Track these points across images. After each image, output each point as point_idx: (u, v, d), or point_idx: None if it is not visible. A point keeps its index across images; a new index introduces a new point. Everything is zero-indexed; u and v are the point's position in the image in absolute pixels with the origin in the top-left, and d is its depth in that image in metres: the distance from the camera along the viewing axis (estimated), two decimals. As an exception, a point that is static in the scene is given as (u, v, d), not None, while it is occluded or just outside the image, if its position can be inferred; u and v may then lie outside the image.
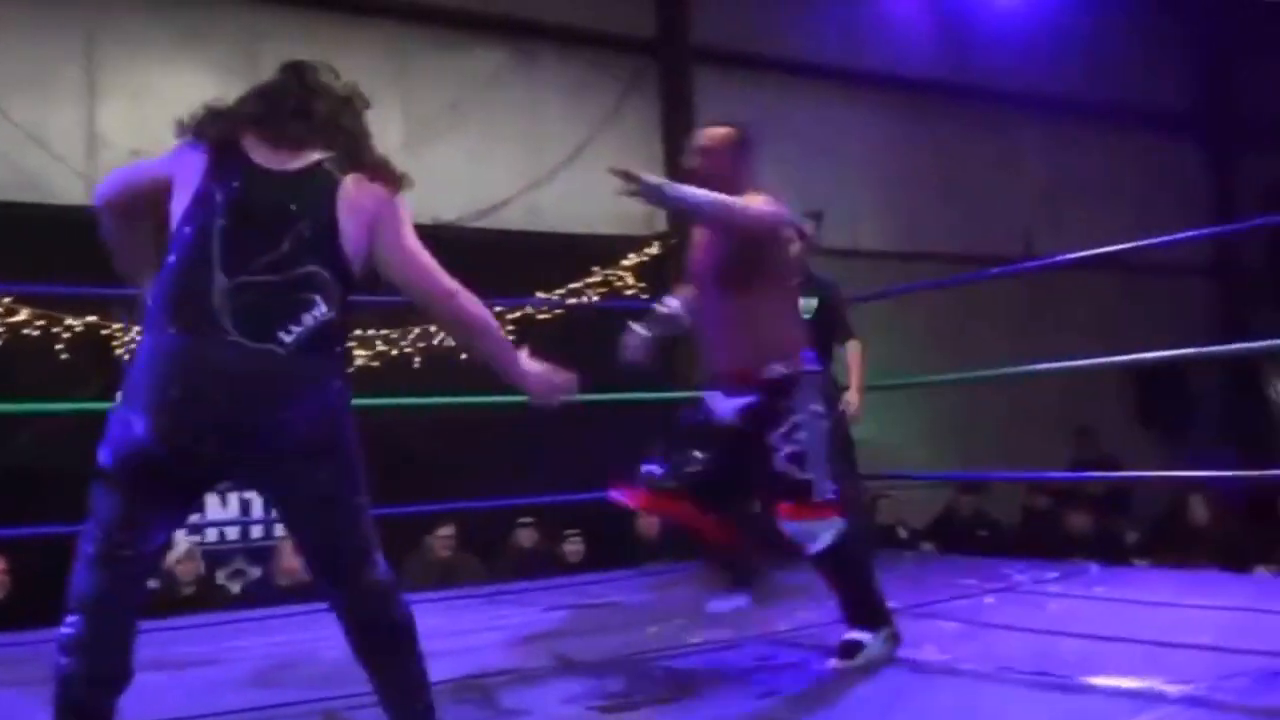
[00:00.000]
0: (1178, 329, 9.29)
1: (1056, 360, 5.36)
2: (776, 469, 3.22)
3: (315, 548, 2.27)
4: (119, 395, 2.22)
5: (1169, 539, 7.17)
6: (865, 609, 3.26)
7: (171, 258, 2.18)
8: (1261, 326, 9.87)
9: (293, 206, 2.18)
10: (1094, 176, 10.47)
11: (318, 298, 2.16)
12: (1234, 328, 10.13)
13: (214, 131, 2.29)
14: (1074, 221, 9.85)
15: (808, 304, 5.24)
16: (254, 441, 2.12)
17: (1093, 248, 5.34)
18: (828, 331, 5.27)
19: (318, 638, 3.95)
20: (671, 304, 3.67)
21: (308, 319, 2.14)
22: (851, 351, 5.27)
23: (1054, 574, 4.68)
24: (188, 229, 2.18)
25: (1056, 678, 2.88)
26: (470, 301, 2.38)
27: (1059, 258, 5.68)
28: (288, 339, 2.11)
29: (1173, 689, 2.67)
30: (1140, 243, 5.25)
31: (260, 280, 2.13)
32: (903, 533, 7.38)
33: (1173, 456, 9.82)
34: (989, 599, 4.25)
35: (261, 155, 2.24)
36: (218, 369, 2.08)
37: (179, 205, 2.23)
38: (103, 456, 2.16)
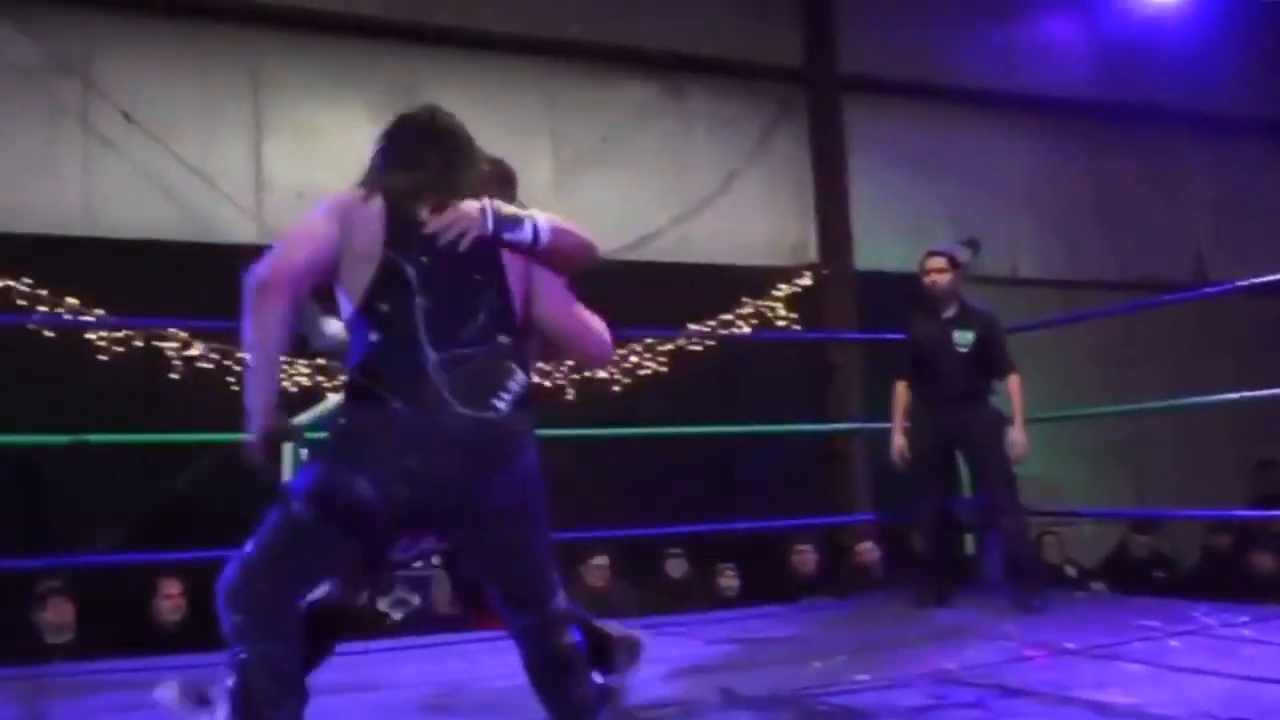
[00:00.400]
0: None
1: (1230, 389, 5.10)
2: None
3: (512, 586, 2.44)
4: (323, 455, 2.32)
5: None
6: None
7: (374, 335, 2.27)
8: None
9: (478, 277, 2.34)
10: (1265, 194, 9.98)
11: (514, 365, 2.33)
12: None
13: (387, 194, 2.34)
14: (1247, 242, 9.42)
15: (963, 337, 5.11)
16: (476, 501, 2.29)
17: (1268, 269, 5.08)
18: (986, 364, 5.11)
19: (480, 666, 4.00)
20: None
21: (513, 386, 2.31)
22: (1013, 385, 5.10)
23: (1244, 617, 4.40)
24: (384, 306, 2.27)
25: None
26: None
27: (1233, 284, 5.41)
28: (501, 406, 2.28)
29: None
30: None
31: (469, 353, 2.29)
32: (1071, 571, 7.09)
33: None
34: (1174, 642, 4.03)
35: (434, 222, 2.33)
36: (450, 439, 2.24)
37: (359, 276, 2.29)
38: (303, 508, 2.28)
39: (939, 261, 5.20)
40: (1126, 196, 9.60)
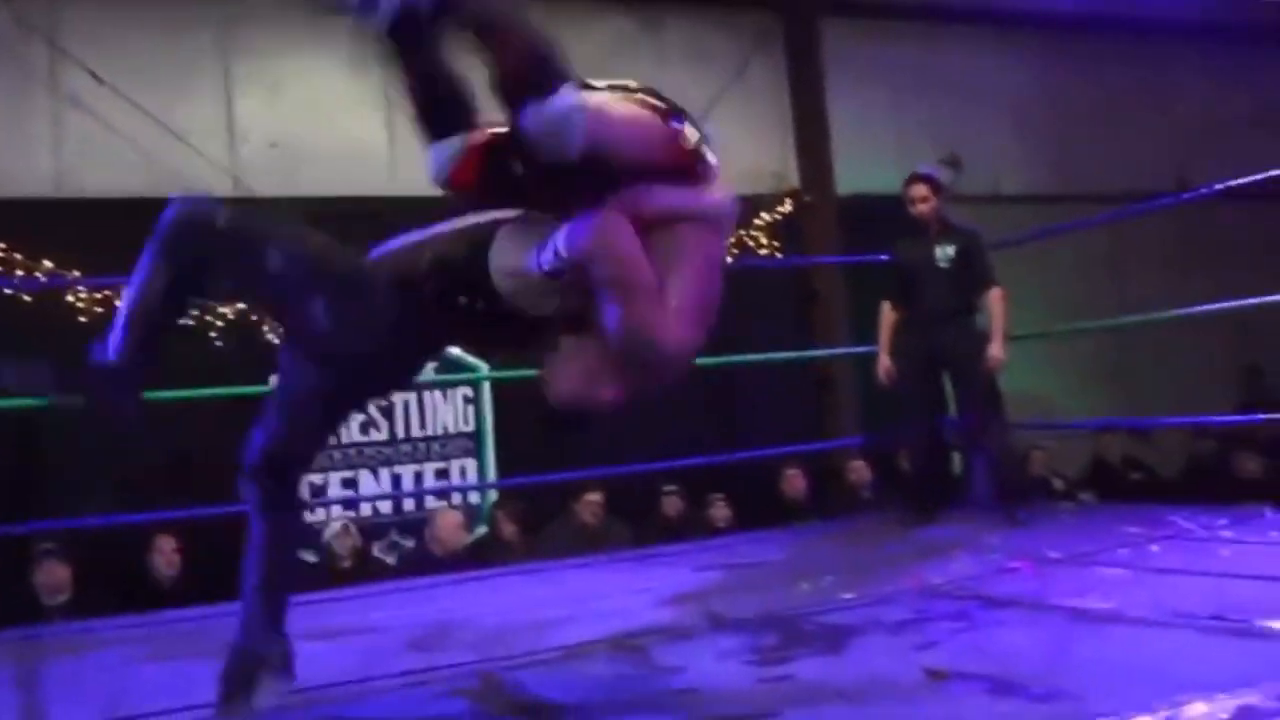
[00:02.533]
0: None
1: (1216, 299, 5.10)
2: None
3: None
4: None
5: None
6: None
7: None
8: None
9: None
10: (1250, 106, 9.92)
11: None
12: None
13: None
14: (1230, 154, 9.33)
15: (944, 253, 5.13)
16: None
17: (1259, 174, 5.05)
18: (968, 280, 5.13)
19: (473, 605, 4.05)
20: None
21: None
22: (994, 298, 5.11)
23: (1225, 520, 4.45)
24: None
25: (1233, 622, 2.73)
26: None
27: (1211, 187, 5.38)
28: None
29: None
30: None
31: None
32: (1058, 484, 7.16)
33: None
34: (1155, 546, 4.08)
35: None
36: None
37: None
38: None
39: (921, 189, 5.20)
40: (1108, 110, 9.55)
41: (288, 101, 7.29)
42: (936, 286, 5.13)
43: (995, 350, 5.02)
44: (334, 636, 3.65)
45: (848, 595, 3.60)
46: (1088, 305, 8.16)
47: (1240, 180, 4.93)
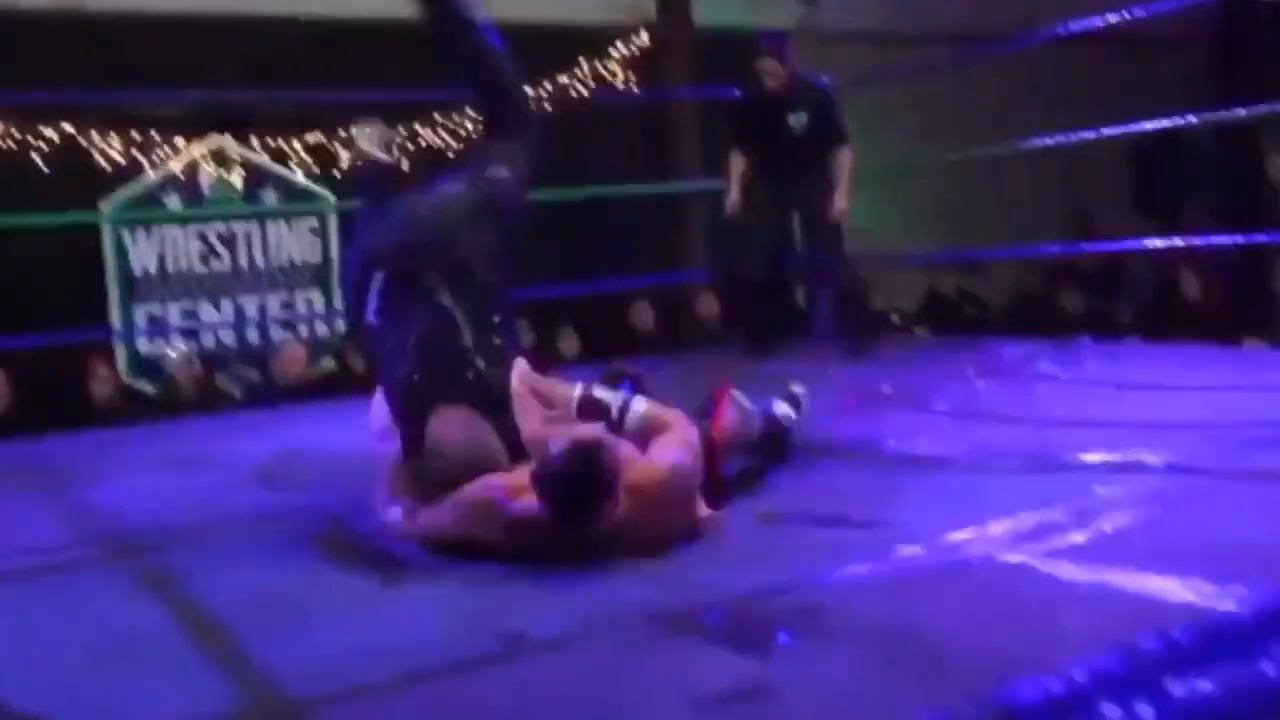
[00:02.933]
0: (1179, 108, 9.08)
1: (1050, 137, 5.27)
2: None
3: None
4: None
5: (1161, 316, 7.22)
6: None
7: None
8: (1266, 101, 9.73)
9: None
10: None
11: None
12: (1237, 104, 9.91)
13: None
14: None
15: (797, 119, 5.12)
16: None
17: (1094, 19, 5.16)
18: (821, 141, 5.15)
19: (320, 436, 4.03)
20: None
21: None
22: (843, 158, 5.13)
23: (1046, 353, 4.70)
24: None
25: (1042, 457, 2.92)
26: None
27: (1045, 31, 5.52)
28: None
29: (1156, 459, 2.72)
30: (1137, 13, 5.05)
31: None
32: (895, 319, 7.42)
33: (1168, 237, 9.80)
34: (980, 381, 4.29)
35: None
36: None
37: None
38: None
39: (770, 64, 5.12)
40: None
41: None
42: (789, 148, 5.14)
43: (840, 201, 5.10)
44: (178, 469, 3.62)
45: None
46: (930, 143, 8.34)
47: (1078, 24, 5.05)
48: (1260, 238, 5.78)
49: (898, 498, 2.70)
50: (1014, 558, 2.05)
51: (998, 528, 2.23)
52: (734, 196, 5.29)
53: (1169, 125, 5.02)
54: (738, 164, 5.33)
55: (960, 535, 2.21)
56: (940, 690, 1.48)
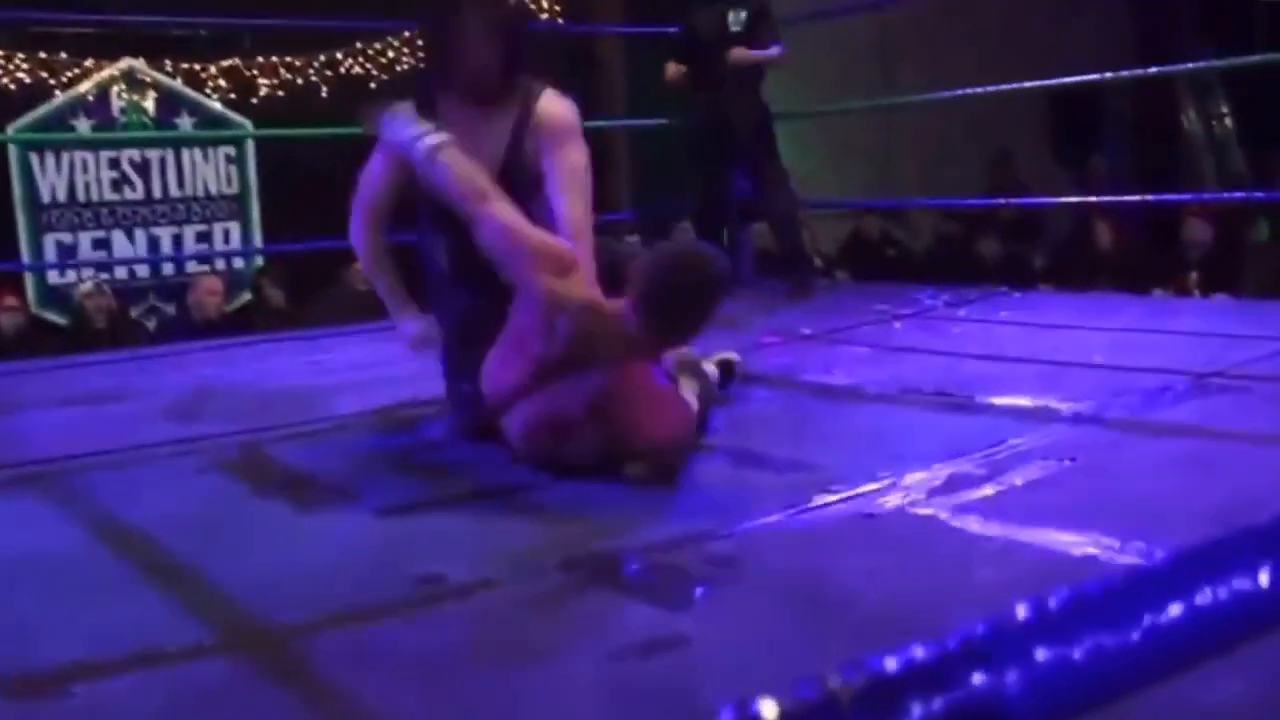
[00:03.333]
0: (1099, 56, 9.21)
1: (974, 85, 5.31)
2: None
3: None
4: None
5: (1074, 264, 7.36)
6: None
7: None
8: (1182, 56, 9.92)
9: None
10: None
11: None
12: (1155, 58, 10.07)
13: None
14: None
15: (736, 17, 5.12)
16: None
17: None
18: (757, 45, 5.13)
19: (236, 373, 3.99)
20: None
21: None
22: (774, 51, 5.13)
23: (963, 298, 4.79)
24: None
25: (955, 398, 2.99)
26: None
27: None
28: None
29: (1065, 407, 2.79)
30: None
31: None
32: (819, 262, 7.47)
33: (1082, 186, 9.98)
34: (898, 324, 4.37)
35: None
36: None
37: None
38: None
39: None
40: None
41: None
42: (727, 51, 5.12)
43: (745, 52, 5.07)
44: (87, 403, 3.55)
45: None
46: (855, 89, 8.36)
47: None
48: (1169, 197, 5.90)
49: (817, 434, 2.77)
50: (926, 510, 2.10)
51: (912, 478, 2.28)
52: (674, 67, 5.22)
53: (1084, 80, 5.10)
54: (673, 69, 5.26)
55: (875, 485, 2.26)
56: (846, 646, 1.52)
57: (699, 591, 1.76)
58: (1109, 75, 5.11)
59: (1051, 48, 9.42)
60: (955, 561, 1.83)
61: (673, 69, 5.25)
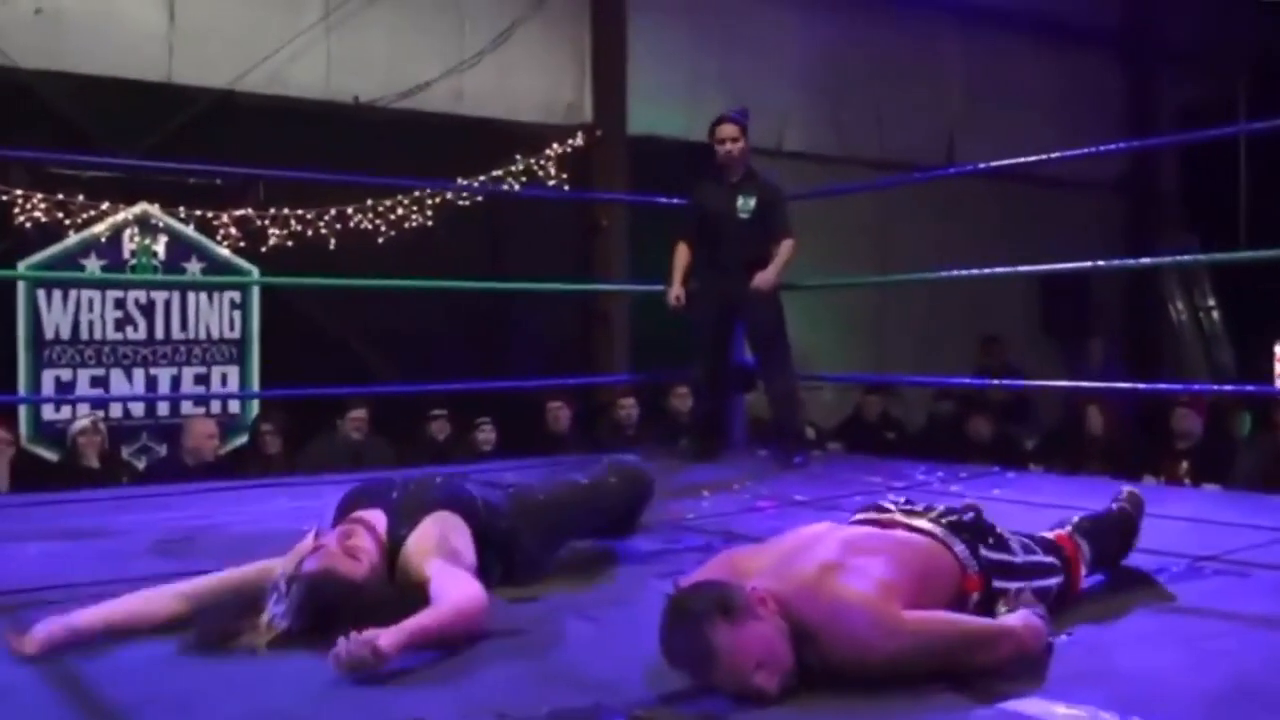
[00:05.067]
0: (1088, 243, 9.46)
1: (969, 267, 5.45)
2: None
3: None
4: None
5: (1065, 447, 7.40)
6: None
7: None
8: (1169, 246, 10.20)
9: None
10: (1016, 86, 10.51)
11: None
12: (1142, 246, 10.36)
13: None
14: (995, 129, 9.92)
15: (746, 203, 5.16)
16: None
17: (1012, 155, 5.39)
18: (767, 231, 5.14)
19: (224, 514, 3.96)
20: None
21: None
22: (784, 246, 5.14)
23: (956, 475, 4.80)
24: None
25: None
26: None
27: (973, 166, 5.76)
28: None
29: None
30: (1052, 155, 5.27)
31: None
32: (811, 433, 7.50)
33: (1072, 370, 10.13)
34: (892, 495, 4.34)
35: None
36: None
37: None
38: None
39: (731, 129, 5.13)
40: (889, 77, 9.91)
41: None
42: (736, 236, 5.13)
43: (769, 274, 5.04)
44: (77, 538, 3.53)
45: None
46: (857, 266, 8.57)
47: (999, 164, 5.29)
48: (1162, 386, 5.99)
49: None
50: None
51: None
52: (678, 289, 5.21)
53: (1074, 267, 5.22)
54: (683, 256, 5.27)
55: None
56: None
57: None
58: (1097, 265, 5.25)
59: (1043, 229, 9.72)
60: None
61: (683, 255, 5.27)
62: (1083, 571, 2.58)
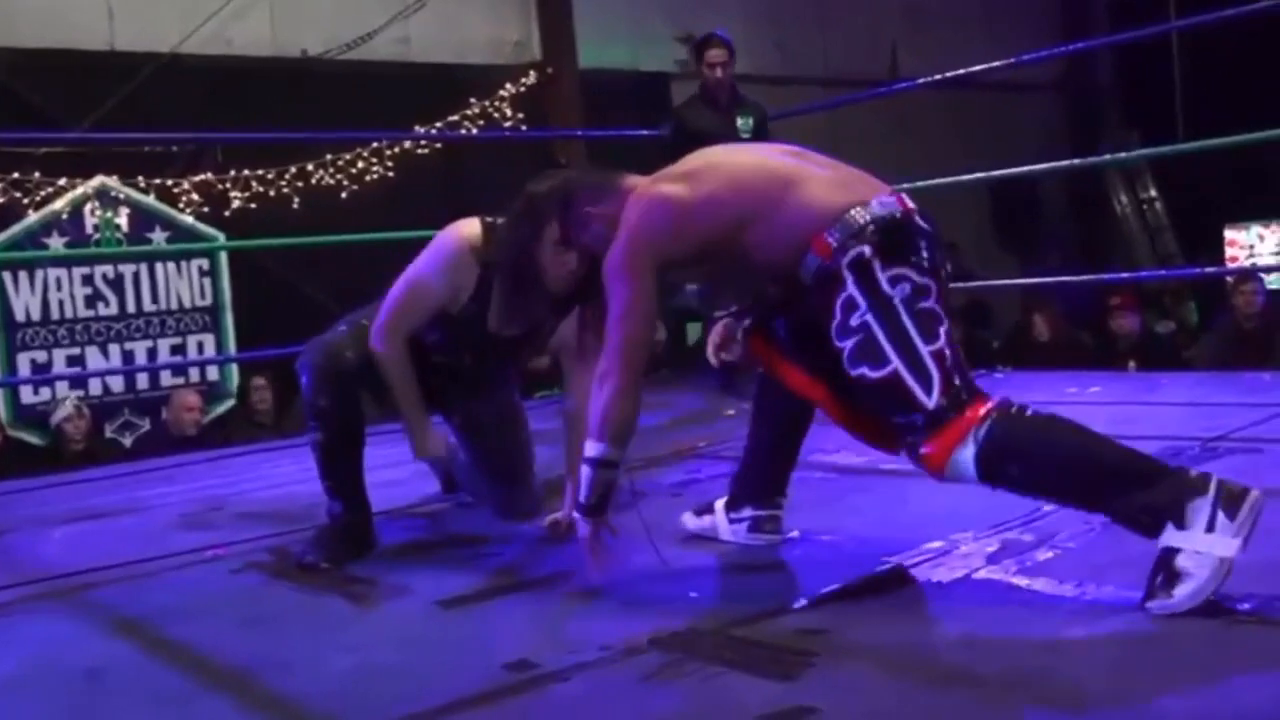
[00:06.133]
0: (1035, 147, 9.59)
1: (917, 177, 5.52)
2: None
3: None
4: None
5: (1023, 349, 7.60)
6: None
7: None
8: (1109, 142, 10.36)
9: None
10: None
11: None
12: (1084, 145, 10.51)
13: None
14: (937, 41, 9.99)
15: (745, 124, 5.15)
16: None
17: (954, 65, 5.46)
18: None
19: (236, 483, 3.95)
20: None
21: None
22: None
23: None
24: None
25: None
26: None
27: (918, 80, 5.87)
28: None
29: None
30: (994, 64, 5.41)
31: None
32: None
33: (1026, 272, 10.31)
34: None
35: None
36: None
37: None
38: None
39: (720, 53, 5.11)
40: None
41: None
42: None
43: None
44: (95, 518, 3.51)
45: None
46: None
47: (945, 74, 5.38)
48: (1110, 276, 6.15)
49: (850, 511, 2.82)
50: (995, 575, 2.15)
51: (966, 546, 2.34)
52: None
53: (1020, 172, 5.36)
54: None
55: (931, 554, 2.31)
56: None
57: (802, 665, 1.75)
58: (1042, 167, 5.34)
59: (991, 140, 9.82)
60: (1043, 620, 1.88)
61: None
62: (962, 450, 1.98)
